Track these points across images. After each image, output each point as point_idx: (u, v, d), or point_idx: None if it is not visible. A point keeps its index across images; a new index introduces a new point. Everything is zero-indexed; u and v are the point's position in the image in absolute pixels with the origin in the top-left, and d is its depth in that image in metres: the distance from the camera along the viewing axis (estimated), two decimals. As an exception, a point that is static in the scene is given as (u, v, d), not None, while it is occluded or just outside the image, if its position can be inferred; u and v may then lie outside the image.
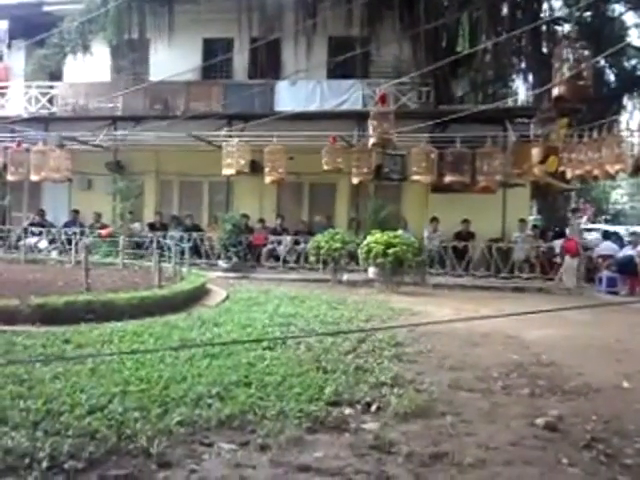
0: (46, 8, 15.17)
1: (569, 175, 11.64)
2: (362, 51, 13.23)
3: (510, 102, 15.94)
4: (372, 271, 10.83)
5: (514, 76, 18.38)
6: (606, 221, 32.37)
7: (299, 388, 4.11)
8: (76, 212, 15.21)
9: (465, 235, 13.12)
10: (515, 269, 12.20)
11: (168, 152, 13.71)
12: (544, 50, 14.54)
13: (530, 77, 17.34)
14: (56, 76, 15.55)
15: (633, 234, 12.58)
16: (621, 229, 21.30)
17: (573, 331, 6.97)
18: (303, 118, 12.38)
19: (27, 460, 2.83)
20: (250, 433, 3.38)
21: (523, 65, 17.06)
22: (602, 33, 15.65)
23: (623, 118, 17.00)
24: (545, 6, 15.48)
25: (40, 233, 14.20)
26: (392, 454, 3.18)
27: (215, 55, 14.55)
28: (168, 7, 14.28)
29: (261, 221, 14.13)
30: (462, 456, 3.15)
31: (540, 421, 3.72)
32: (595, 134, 10.71)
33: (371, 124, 11.29)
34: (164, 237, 12.90)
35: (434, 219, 13.14)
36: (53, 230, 14.29)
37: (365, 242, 10.83)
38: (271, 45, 13.52)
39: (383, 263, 10.37)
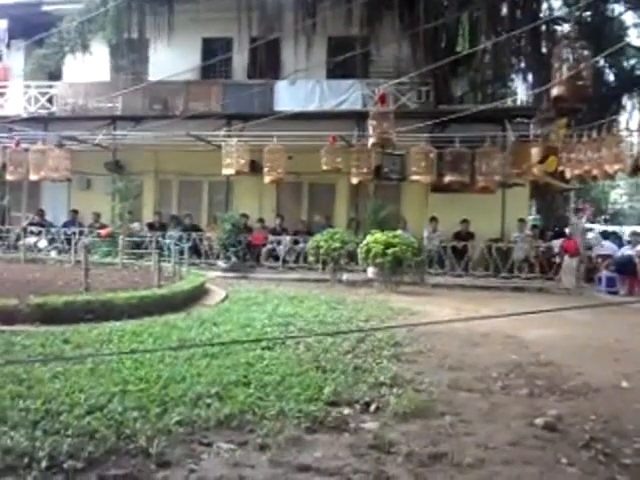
0: (45, 8, 15.17)
1: (568, 175, 11.64)
2: (362, 51, 13.25)
3: (509, 102, 15.99)
4: (371, 271, 10.83)
5: (513, 76, 18.38)
6: (605, 221, 32.39)
7: (298, 388, 4.11)
8: (75, 212, 15.21)
9: (464, 235, 13.13)
10: (514, 269, 12.21)
11: (167, 152, 13.70)
12: (543, 50, 14.53)
13: (529, 77, 17.34)
14: (55, 76, 15.56)
15: (632, 234, 12.58)
16: (617, 228, 21.34)
17: (572, 331, 6.98)
18: (302, 118, 12.38)
19: (26, 460, 2.83)
20: (249, 433, 3.38)
21: (522, 65, 17.05)
22: (601, 33, 15.66)
23: (622, 118, 17.09)
24: (544, 6, 15.50)
25: (39, 233, 14.20)
26: (391, 454, 3.18)
27: (214, 55, 14.54)
28: (167, 7, 14.28)
29: (260, 221, 14.13)
30: (461, 456, 3.15)
31: (539, 421, 3.72)
32: (594, 134, 10.71)
33: (370, 124, 11.29)
34: (163, 237, 12.92)
35: (433, 219, 13.15)
36: (52, 230, 14.29)
37: (364, 242, 10.84)
38: (270, 45, 13.53)
39: (382, 263, 10.37)
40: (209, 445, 3.22)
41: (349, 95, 13.79)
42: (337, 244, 11.13)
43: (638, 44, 19.09)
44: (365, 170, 12.25)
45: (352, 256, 11.22)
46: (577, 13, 15.38)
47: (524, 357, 5.55)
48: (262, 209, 14.68)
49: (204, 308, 7.60)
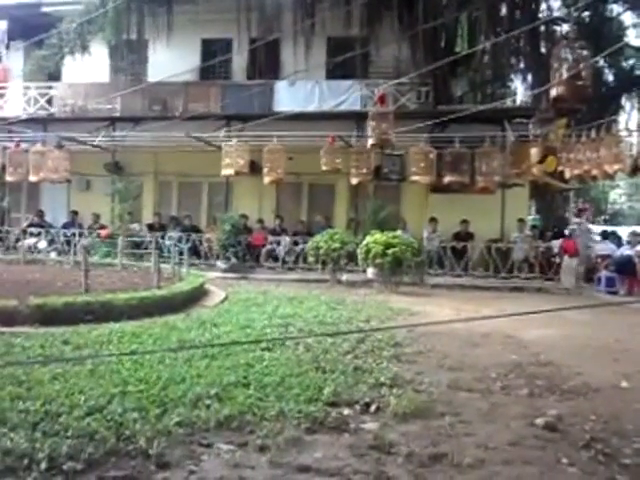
0: (45, 9, 15.19)
1: (568, 175, 11.65)
2: (361, 51, 13.26)
3: (509, 102, 15.99)
4: (371, 271, 10.83)
5: (513, 76, 18.39)
6: (605, 221, 32.39)
7: (298, 389, 4.11)
8: (75, 213, 15.20)
9: (464, 235, 13.13)
10: (514, 269, 12.21)
11: (167, 153, 13.70)
12: (543, 50, 14.54)
13: (529, 77, 17.37)
14: (55, 77, 15.55)
15: (632, 234, 12.58)
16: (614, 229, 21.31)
17: (572, 331, 6.98)
18: (302, 118, 12.37)
19: (26, 461, 2.83)
20: (249, 434, 3.38)
21: (522, 65, 17.07)
22: (600, 33, 15.68)
23: (621, 118, 17.10)
24: (543, 6, 15.49)
25: (39, 234, 14.19)
26: (391, 454, 3.18)
27: (214, 55, 14.55)
28: (167, 7, 14.26)
29: (260, 221, 14.13)
30: (461, 456, 3.15)
31: (539, 421, 3.72)
32: (593, 134, 10.73)
33: (370, 124, 11.31)
34: (163, 238, 12.93)
35: (433, 219, 13.15)
36: (52, 231, 14.29)
37: (364, 242, 10.83)
38: (270, 45, 13.53)
39: (382, 263, 10.37)
40: (209, 446, 3.21)
41: (348, 95, 13.80)
42: (337, 245, 11.13)
43: (637, 44, 19.11)
44: (365, 170, 12.26)
45: (352, 256, 11.21)
46: (576, 13, 15.39)
47: (524, 357, 5.54)
48: (262, 210, 14.68)
49: (204, 309, 7.60)
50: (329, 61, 14.69)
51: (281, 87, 14.11)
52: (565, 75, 7.52)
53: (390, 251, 10.33)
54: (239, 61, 15.14)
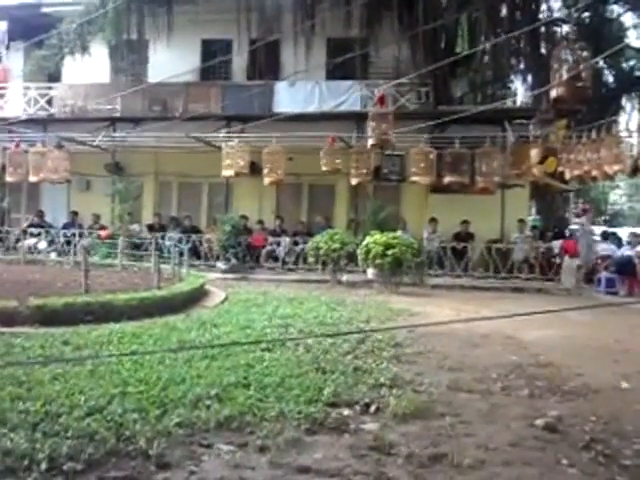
0: (45, 9, 15.20)
1: (568, 176, 11.66)
2: (361, 52, 13.28)
3: (509, 103, 15.98)
4: (371, 272, 10.83)
5: (513, 77, 18.40)
6: (605, 222, 32.40)
7: (298, 389, 4.11)
8: (75, 213, 15.20)
9: (464, 236, 13.13)
10: (514, 270, 12.21)
11: (167, 153, 13.71)
12: (543, 51, 14.54)
13: (529, 78, 17.37)
14: (55, 77, 15.56)
15: (632, 235, 12.59)
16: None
17: (572, 332, 6.98)
18: (302, 119, 12.37)
19: (26, 461, 2.83)
20: (249, 434, 3.38)
21: (522, 66, 17.07)
22: (601, 34, 15.69)
23: (622, 119, 17.10)
24: (544, 7, 15.50)
25: (39, 234, 14.19)
26: (391, 455, 3.18)
27: (214, 56, 14.57)
28: (167, 8, 14.27)
29: (260, 222, 14.13)
30: (461, 457, 3.15)
31: (539, 422, 3.71)
32: (594, 135, 10.73)
33: (370, 125, 11.30)
34: (163, 238, 12.93)
35: (433, 220, 13.15)
36: (52, 231, 14.29)
37: (364, 243, 10.83)
38: (270, 46, 13.54)
39: (382, 264, 10.37)
40: (209, 447, 3.21)
41: (348, 96, 13.80)
42: (337, 245, 11.13)
43: (637, 45, 19.12)
44: (364, 171, 12.26)
45: (352, 257, 11.22)
46: (576, 14, 15.40)
47: (524, 358, 5.54)
48: (262, 210, 14.69)
49: (204, 309, 7.60)
50: (329, 62, 14.69)
51: (281, 88, 14.11)
52: (565, 76, 7.51)
53: (390, 252, 10.33)
54: (239, 62, 15.14)
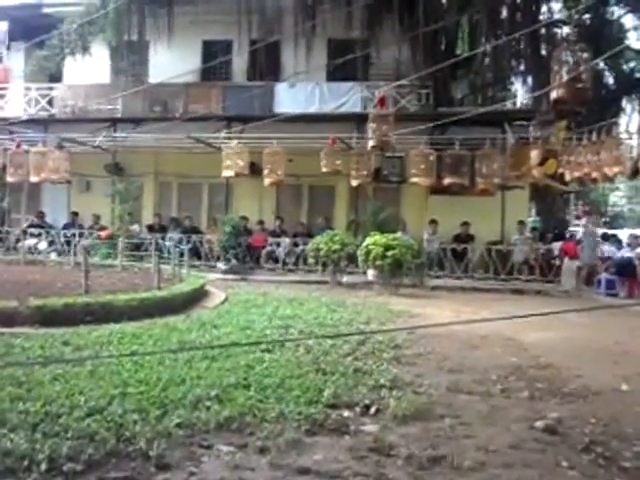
0: (46, 10, 15.20)
1: (568, 177, 11.66)
2: (361, 53, 13.28)
3: (509, 104, 15.98)
4: (371, 273, 10.83)
5: (513, 79, 18.44)
6: (605, 223, 32.40)
7: (298, 390, 4.11)
8: (75, 214, 15.21)
9: (464, 237, 13.14)
10: (514, 271, 12.22)
11: (167, 154, 13.72)
12: (543, 53, 14.57)
13: (529, 80, 17.40)
14: (55, 78, 15.57)
15: (631, 237, 12.59)
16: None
17: (572, 333, 6.98)
18: (302, 120, 12.38)
19: (26, 462, 2.83)
20: (249, 435, 3.38)
21: (522, 68, 17.11)
22: (601, 35, 15.70)
23: (622, 120, 17.12)
24: (544, 9, 15.52)
25: (39, 235, 14.20)
26: (391, 457, 3.18)
27: (214, 57, 14.59)
28: (167, 9, 14.28)
29: (260, 223, 14.14)
30: (461, 459, 3.15)
31: (539, 424, 3.71)
32: (594, 136, 10.74)
33: (370, 126, 11.29)
34: (163, 239, 12.93)
35: (433, 221, 13.15)
36: (52, 232, 14.29)
37: (364, 244, 10.83)
38: (270, 47, 13.54)
39: (382, 265, 10.37)
40: (209, 448, 3.21)
41: (349, 97, 13.81)
42: (337, 246, 11.13)
43: (637, 47, 19.15)
44: (365, 172, 12.26)
45: (352, 258, 11.22)
46: (577, 16, 15.40)
47: (524, 360, 5.54)
48: (262, 211, 14.69)
49: (204, 310, 7.60)
50: (330, 63, 14.69)
51: (281, 89, 14.12)
52: (565, 78, 7.51)
53: (390, 253, 10.33)
54: (240, 62, 15.14)
